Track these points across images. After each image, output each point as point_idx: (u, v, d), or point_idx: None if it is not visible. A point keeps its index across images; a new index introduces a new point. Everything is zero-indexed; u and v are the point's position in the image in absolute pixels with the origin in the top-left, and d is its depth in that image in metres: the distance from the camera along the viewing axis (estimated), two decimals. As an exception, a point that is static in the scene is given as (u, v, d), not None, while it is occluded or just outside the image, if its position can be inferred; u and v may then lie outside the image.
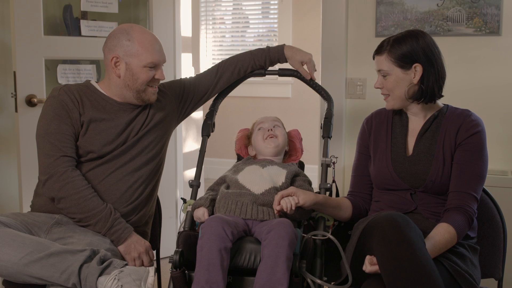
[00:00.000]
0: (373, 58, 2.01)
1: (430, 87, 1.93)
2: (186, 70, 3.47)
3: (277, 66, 2.42)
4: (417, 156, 1.97)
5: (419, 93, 1.94)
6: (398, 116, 2.07)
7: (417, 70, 1.92)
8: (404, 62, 1.92)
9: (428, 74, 1.92)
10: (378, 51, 1.98)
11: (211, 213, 2.01)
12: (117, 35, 2.09)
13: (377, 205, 2.03)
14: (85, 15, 3.00)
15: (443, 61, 1.97)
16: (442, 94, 1.99)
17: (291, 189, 1.90)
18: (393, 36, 1.97)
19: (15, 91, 2.71)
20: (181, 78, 2.41)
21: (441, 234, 1.79)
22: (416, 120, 2.02)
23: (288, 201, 1.85)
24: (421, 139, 1.98)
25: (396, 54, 1.92)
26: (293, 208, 1.85)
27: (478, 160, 1.90)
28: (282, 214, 1.90)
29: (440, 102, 2.03)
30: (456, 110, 2.00)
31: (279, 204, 1.86)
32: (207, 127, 2.32)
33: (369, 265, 1.71)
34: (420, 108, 1.99)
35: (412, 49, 1.91)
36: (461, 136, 1.92)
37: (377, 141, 2.06)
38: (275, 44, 5.14)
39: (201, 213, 1.99)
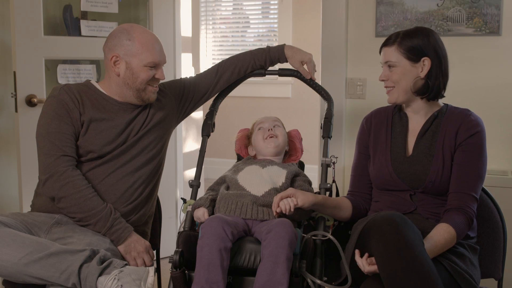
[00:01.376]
0: (379, 52, 2.01)
1: (436, 83, 1.93)
2: (186, 70, 3.46)
3: (277, 66, 2.42)
4: (417, 156, 1.96)
5: (425, 87, 1.94)
6: (398, 115, 2.06)
7: (425, 64, 1.93)
8: (414, 55, 1.93)
9: (436, 69, 1.93)
10: (387, 43, 1.98)
11: (211, 213, 2.01)
12: (117, 35, 2.09)
13: (376, 206, 2.03)
14: (85, 15, 3.00)
15: (448, 62, 1.97)
16: (444, 94, 1.99)
17: (290, 190, 1.89)
18: (402, 30, 1.98)
19: (15, 91, 2.71)
20: (181, 78, 2.41)
21: (441, 234, 1.78)
22: (416, 119, 2.02)
23: (287, 203, 1.85)
24: (421, 139, 1.98)
25: (407, 46, 1.93)
26: (292, 209, 1.85)
27: (477, 160, 1.90)
28: (282, 215, 1.90)
29: (440, 102, 2.03)
30: (456, 109, 1.99)
31: (278, 206, 1.86)
32: (207, 127, 2.32)
33: (368, 265, 1.70)
34: (422, 105, 1.99)
35: (423, 43, 1.93)
36: (460, 136, 1.92)
37: (377, 140, 2.06)
38: (275, 44, 5.14)
39: (201, 213, 1.99)
